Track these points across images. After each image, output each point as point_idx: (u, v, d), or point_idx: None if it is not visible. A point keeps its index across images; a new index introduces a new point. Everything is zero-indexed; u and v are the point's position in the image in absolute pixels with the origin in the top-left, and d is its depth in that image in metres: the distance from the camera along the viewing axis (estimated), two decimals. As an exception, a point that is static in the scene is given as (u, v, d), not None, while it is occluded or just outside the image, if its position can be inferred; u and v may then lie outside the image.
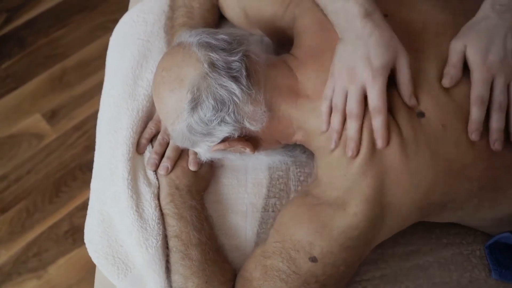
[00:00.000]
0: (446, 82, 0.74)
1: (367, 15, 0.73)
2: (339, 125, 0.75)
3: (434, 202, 0.74)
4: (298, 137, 0.82)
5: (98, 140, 0.92)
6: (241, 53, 0.75)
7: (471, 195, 0.75)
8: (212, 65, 0.74)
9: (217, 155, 0.83)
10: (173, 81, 0.76)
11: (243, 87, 0.74)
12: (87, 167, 1.62)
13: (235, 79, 0.74)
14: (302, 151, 0.91)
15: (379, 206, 0.72)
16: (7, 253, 1.47)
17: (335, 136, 0.75)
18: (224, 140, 0.78)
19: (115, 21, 1.89)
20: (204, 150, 0.81)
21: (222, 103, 0.74)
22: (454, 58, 0.75)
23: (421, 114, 0.73)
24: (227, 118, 0.75)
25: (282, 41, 0.95)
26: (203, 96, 0.74)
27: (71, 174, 1.61)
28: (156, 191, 0.84)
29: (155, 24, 1.00)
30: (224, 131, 0.76)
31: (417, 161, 0.72)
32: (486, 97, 0.72)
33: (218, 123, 0.75)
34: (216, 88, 0.74)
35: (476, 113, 0.72)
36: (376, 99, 0.72)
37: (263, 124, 0.77)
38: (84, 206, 1.54)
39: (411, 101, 0.74)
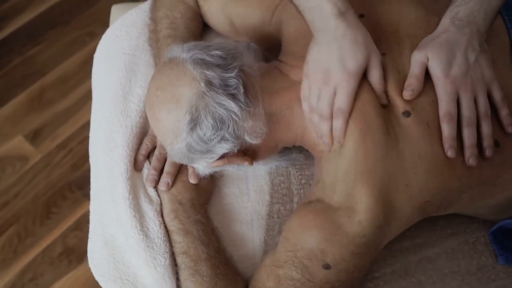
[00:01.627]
0: (407, 95, 0.74)
1: (341, 14, 0.72)
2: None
3: (431, 200, 0.75)
4: (298, 140, 0.82)
5: (93, 161, 0.90)
6: (237, 69, 0.74)
7: (462, 191, 0.76)
8: (209, 83, 0.72)
9: (215, 169, 0.82)
10: (169, 101, 0.73)
11: (241, 104, 0.73)
12: (76, 186, 1.58)
13: (233, 97, 0.73)
14: (298, 152, 0.91)
15: (382, 212, 0.72)
16: (1, 281, 1.43)
17: (324, 139, 0.77)
18: (223, 156, 0.77)
19: (91, 34, 1.89)
20: (203, 167, 0.80)
21: (222, 122, 0.73)
22: (416, 70, 0.75)
23: (407, 114, 0.74)
24: (227, 135, 0.74)
25: (270, 46, 0.94)
26: (202, 116, 0.72)
27: (60, 194, 1.57)
28: (158, 208, 0.82)
29: (139, 38, 0.98)
30: (224, 147, 0.75)
31: (405, 160, 0.72)
32: (454, 113, 0.73)
33: (218, 141, 0.74)
34: (215, 107, 0.72)
35: (447, 130, 0.73)
36: (342, 102, 0.74)
37: (263, 136, 0.77)
38: (76, 226, 1.52)
39: (382, 100, 0.75)
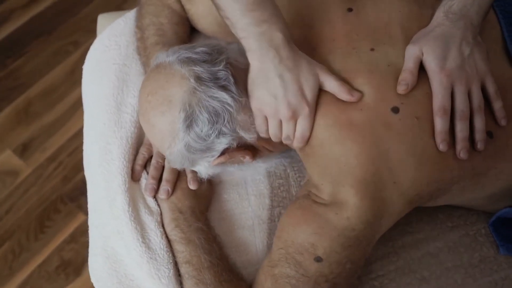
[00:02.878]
0: (401, 89, 0.74)
1: (288, 43, 0.73)
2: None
3: (421, 194, 0.75)
4: None
5: (90, 174, 0.89)
6: (224, 62, 0.75)
7: (453, 182, 0.76)
8: (198, 78, 0.73)
9: (217, 170, 0.82)
10: (161, 104, 0.74)
11: (234, 95, 0.74)
12: (68, 198, 1.56)
13: (224, 88, 0.73)
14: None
15: (370, 209, 0.72)
16: (-2, 299, 1.42)
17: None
18: (223, 152, 0.77)
19: (75, 43, 1.88)
20: (205, 167, 0.79)
21: (217, 115, 0.73)
22: (410, 64, 0.75)
23: (395, 109, 0.73)
24: (223, 129, 0.74)
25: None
26: (196, 111, 0.72)
27: (53, 207, 1.55)
28: (159, 219, 0.82)
29: (128, 47, 0.97)
30: (223, 142, 0.75)
31: (391, 159, 0.72)
32: (448, 106, 0.73)
33: (216, 135, 0.74)
34: (208, 101, 0.72)
35: (440, 124, 0.73)
36: (304, 130, 0.75)
37: (256, 132, 0.77)
38: (72, 238, 1.50)
39: (353, 97, 0.74)
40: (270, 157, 0.86)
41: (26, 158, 1.63)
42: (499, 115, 0.77)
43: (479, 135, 0.75)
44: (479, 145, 0.74)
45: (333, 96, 0.76)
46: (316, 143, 0.76)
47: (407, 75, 0.74)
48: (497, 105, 0.77)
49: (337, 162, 0.73)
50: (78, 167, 1.59)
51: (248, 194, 0.88)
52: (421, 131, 0.73)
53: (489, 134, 0.76)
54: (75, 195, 1.57)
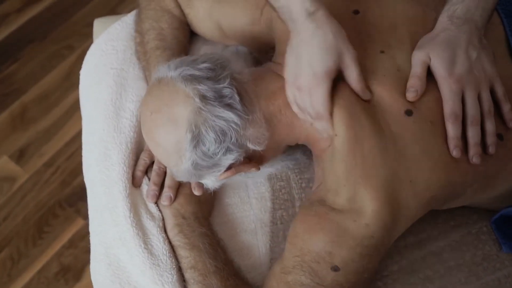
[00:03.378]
0: (411, 97, 0.74)
1: (309, 15, 0.71)
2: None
3: (436, 195, 0.75)
4: (301, 138, 0.81)
5: (89, 181, 0.88)
6: (228, 78, 0.73)
7: (467, 185, 0.77)
8: (203, 97, 0.71)
9: (223, 181, 0.80)
10: (166, 123, 0.72)
11: (239, 113, 0.72)
12: (67, 203, 1.56)
13: (230, 107, 0.72)
14: (302, 153, 0.90)
15: (389, 214, 0.72)
16: (-2, 307, 1.41)
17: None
18: (230, 167, 0.76)
19: (69, 47, 1.87)
20: (212, 181, 0.78)
21: (223, 134, 0.72)
22: (418, 69, 0.75)
23: (409, 112, 0.73)
24: (230, 146, 0.73)
25: (261, 47, 0.93)
26: (203, 131, 0.71)
27: (51, 212, 1.54)
28: (161, 224, 0.81)
29: (126, 51, 0.97)
30: (230, 158, 0.74)
31: (408, 157, 0.72)
32: (459, 112, 0.73)
33: (223, 153, 0.73)
34: (214, 120, 0.71)
35: (452, 130, 0.73)
36: (318, 105, 0.73)
37: (266, 140, 0.76)
38: (71, 244, 1.49)
39: (365, 96, 0.74)
40: (275, 161, 0.86)
41: (23, 164, 1.62)
42: (508, 117, 0.77)
43: (490, 139, 0.75)
44: (491, 149, 0.75)
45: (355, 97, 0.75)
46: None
47: (415, 81, 0.74)
48: (506, 107, 0.77)
49: (353, 166, 0.72)
50: (76, 171, 1.59)
51: (249, 197, 0.88)
52: (435, 136, 0.73)
53: (499, 137, 0.77)
54: (73, 200, 1.56)
